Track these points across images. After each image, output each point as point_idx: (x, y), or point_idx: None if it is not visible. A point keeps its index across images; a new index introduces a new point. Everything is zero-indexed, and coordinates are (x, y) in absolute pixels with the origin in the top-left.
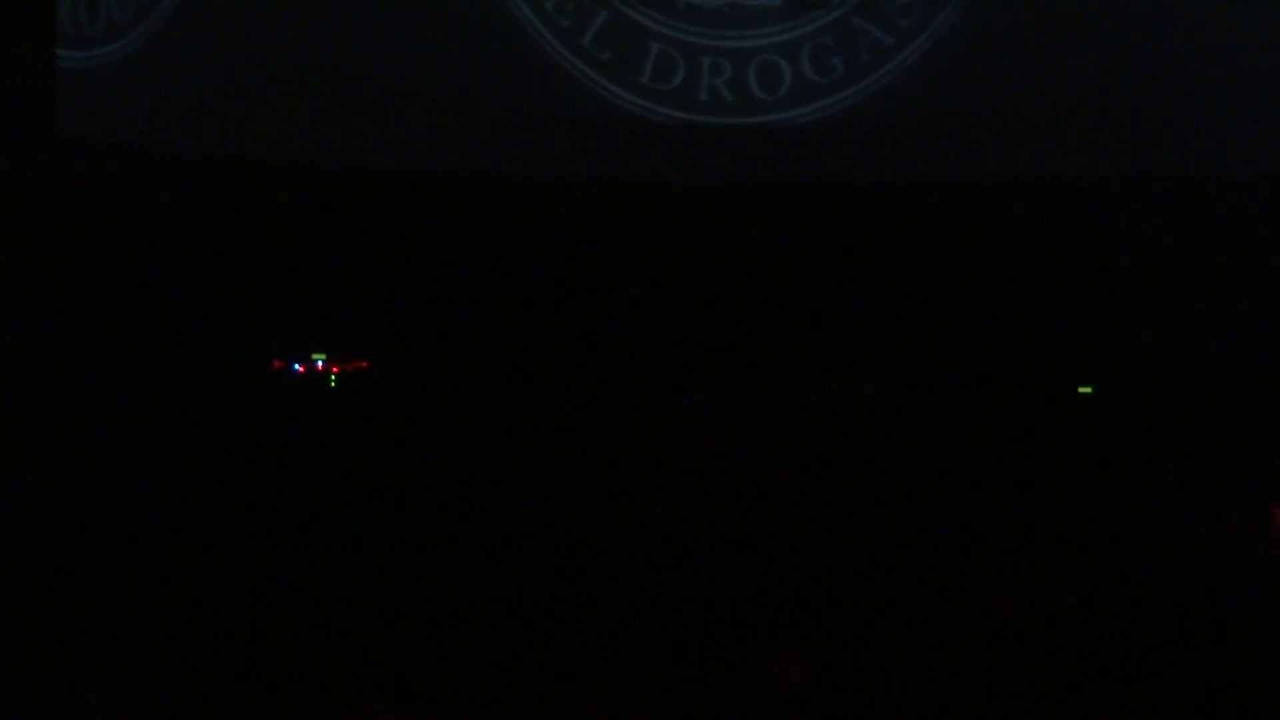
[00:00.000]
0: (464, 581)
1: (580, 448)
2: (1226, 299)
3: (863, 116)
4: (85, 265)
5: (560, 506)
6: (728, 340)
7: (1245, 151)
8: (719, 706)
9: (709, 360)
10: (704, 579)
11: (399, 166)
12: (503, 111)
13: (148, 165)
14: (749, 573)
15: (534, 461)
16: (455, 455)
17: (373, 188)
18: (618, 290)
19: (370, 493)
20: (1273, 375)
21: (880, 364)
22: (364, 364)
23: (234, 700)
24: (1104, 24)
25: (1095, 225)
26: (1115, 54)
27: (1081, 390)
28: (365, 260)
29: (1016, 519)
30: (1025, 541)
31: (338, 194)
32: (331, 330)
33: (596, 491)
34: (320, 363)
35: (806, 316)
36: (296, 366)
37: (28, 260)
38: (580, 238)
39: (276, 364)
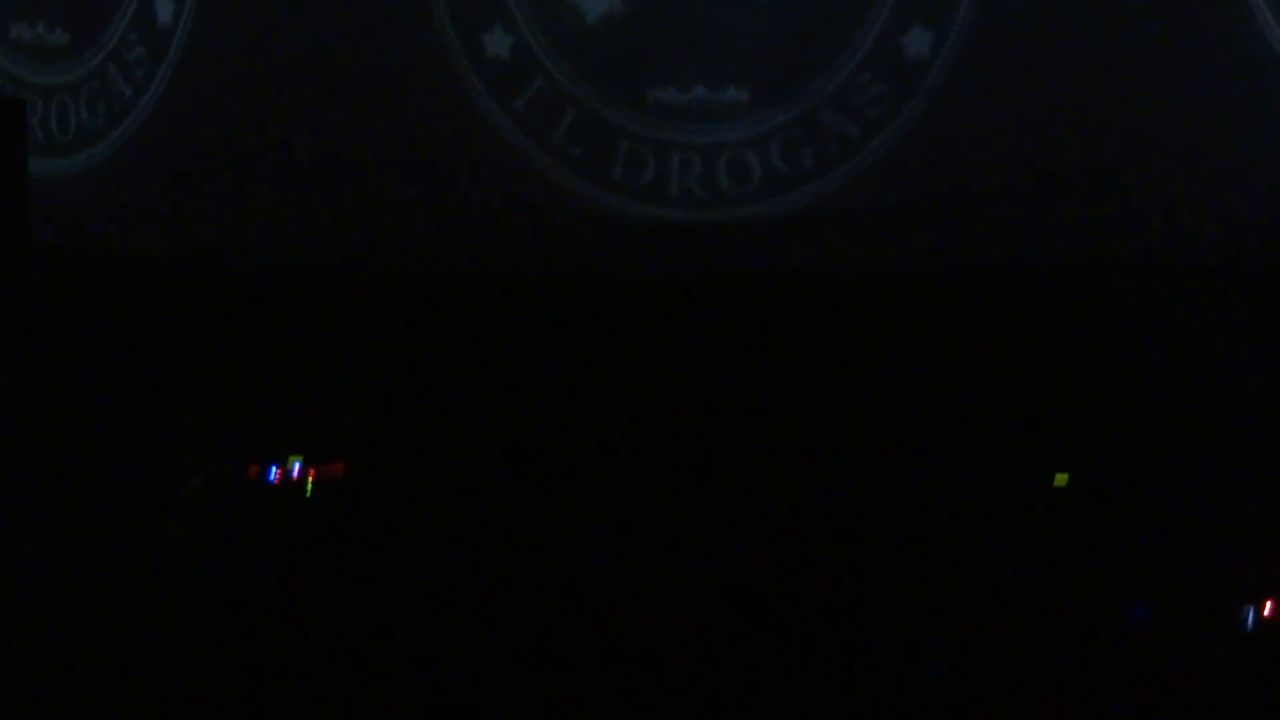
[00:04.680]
0: (446, 693)
1: (563, 546)
2: (1202, 384)
3: (834, 208)
4: (60, 373)
5: (548, 607)
6: (703, 435)
7: (1219, 237)
8: None
9: (686, 454)
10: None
11: (369, 268)
12: (473, 210)
13: (121, 271)
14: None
15: (517, 562)
16: (437, 558)
17: (344, 289)
18: (594, 388)
19: (351, 598)
20: (1251, 461)
21: (856, 455)
22: (340, 466)
23: None
24: (1075, 111)
25: (1070, 313)
26: (1086, 142)
27: (1057, 481)
28: (341, 362)
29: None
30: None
31: (310, 296)
32: (307, 433)
33: (583, 590)
34: (296, 466)
35: (782, 410)
36: (273, 470)
37: (2, 370)
38: (553, 335)
39: (252, 468)
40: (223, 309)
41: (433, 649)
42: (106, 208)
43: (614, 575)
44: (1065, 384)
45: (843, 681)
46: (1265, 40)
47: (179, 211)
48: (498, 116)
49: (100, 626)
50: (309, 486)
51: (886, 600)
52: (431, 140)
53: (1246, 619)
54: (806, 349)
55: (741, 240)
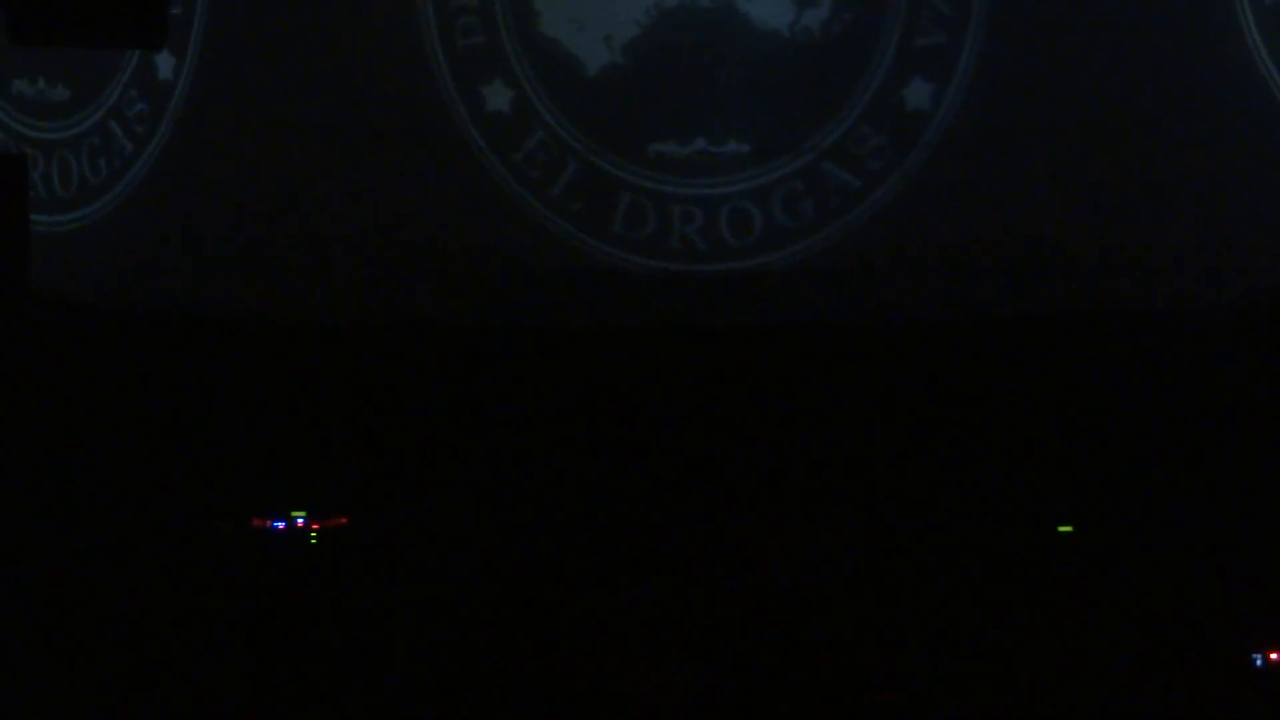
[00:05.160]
0: None
1: (565, 600)
2: (1200, 429)
3: (835, 260)
4: (60, 424)
5: (548, 660)
6: (705, 484)
7: (1215, 282)
8: None
9: (686, 502)
10: None
11: (373, 320)
12: (475, 263)
13: (121, 325)
14: None
15: (520, 616)
16: (440, 611)
17: (348, 342)
18: (593, 438)
19: (356, 652)
20: (1248, 508)
21: (858, 502)
22: (344, 520)
23: None
24: (1076, 162)
25: (1069, 361)
26: (1088, 192)
27: (1061, 529)
28: (342, 415)
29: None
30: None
31: (312, 349)
32: (311, 487)
33: (586, 646)
34: (300, 520)
35: (784, 460)
36: (277, 524)
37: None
38: (556, 386)
39: (257, 522)
40: (224, 362)
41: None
42: (108, 262)
43: (609, 627)
44: (1069, 430)
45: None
46: (1269, 92)
47: (179, 266)
48: (498, 169)
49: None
50: (313, 537)
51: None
52: (432, 193)
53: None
54: (810, 400)
55: (743, 292)
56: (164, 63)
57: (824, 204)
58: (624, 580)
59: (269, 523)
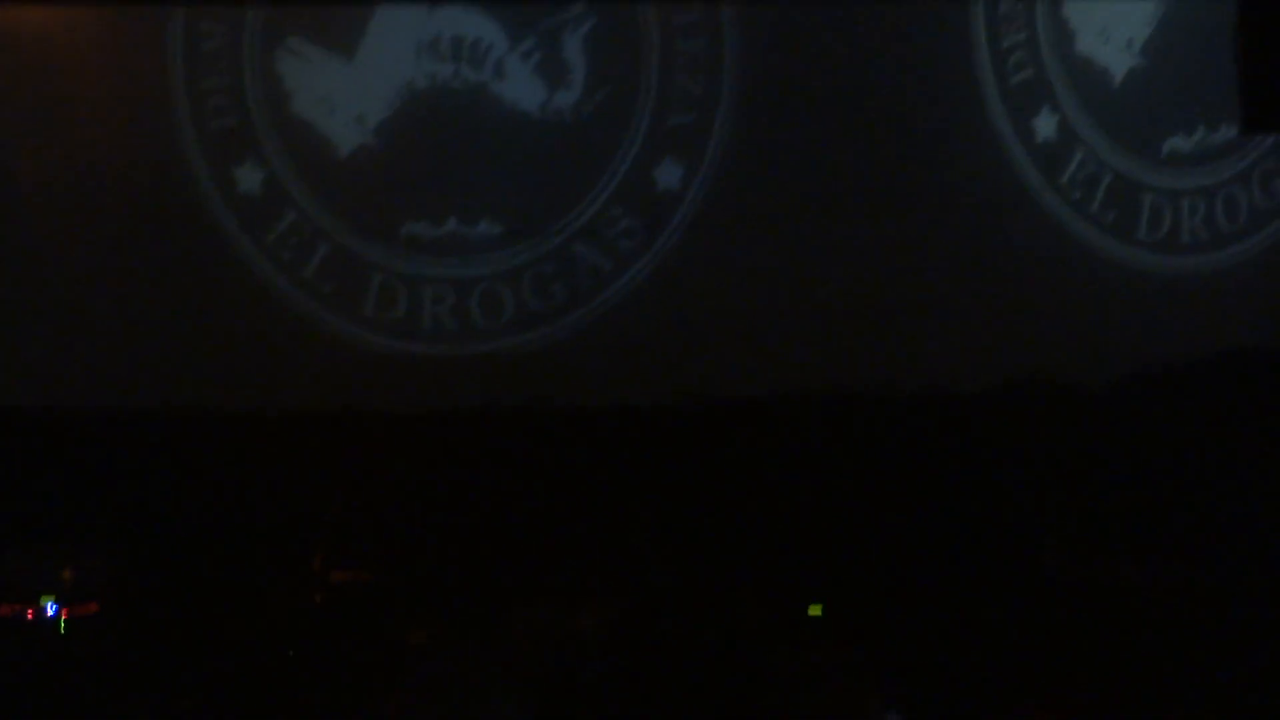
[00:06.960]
0: None
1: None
2: (960, 503)
3: (585, 342)
4: None
5: None
6: (455, 564)
7: (972, 360)
8: None
9: (441, 585)
10: None
11: (125, 405)
12: (226, 345)
13: None
14: None
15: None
16: (195, 693)
17: (100, 427)
18: (344, 522)
19: None
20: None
21: (613, 584)
22: (94, 607)
23: None
24: (827, 241)
25: (826, 443)
26: (838, 272)
27: (811, 612)
28: (91, 504)
29: None
30: None
31: (65, 435)
32: (60, 573)
33: None
34: (50, 607)
35: (535, 543)
36: (34, 611)
37: None
38: (307, 470)
39: (3, 609)
40: None
41: None
42: None
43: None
44: (823, 506)
45: None
46: (1011, 166)
47: None
48: (249, 252)
49: None
50: (62, 625)
51: None
52: (184, 276)
53: None
54: (556, 483)
55: (493, 374)
56: None
57: (574, 286)
58: (374, 667)
59: (17, 609)
